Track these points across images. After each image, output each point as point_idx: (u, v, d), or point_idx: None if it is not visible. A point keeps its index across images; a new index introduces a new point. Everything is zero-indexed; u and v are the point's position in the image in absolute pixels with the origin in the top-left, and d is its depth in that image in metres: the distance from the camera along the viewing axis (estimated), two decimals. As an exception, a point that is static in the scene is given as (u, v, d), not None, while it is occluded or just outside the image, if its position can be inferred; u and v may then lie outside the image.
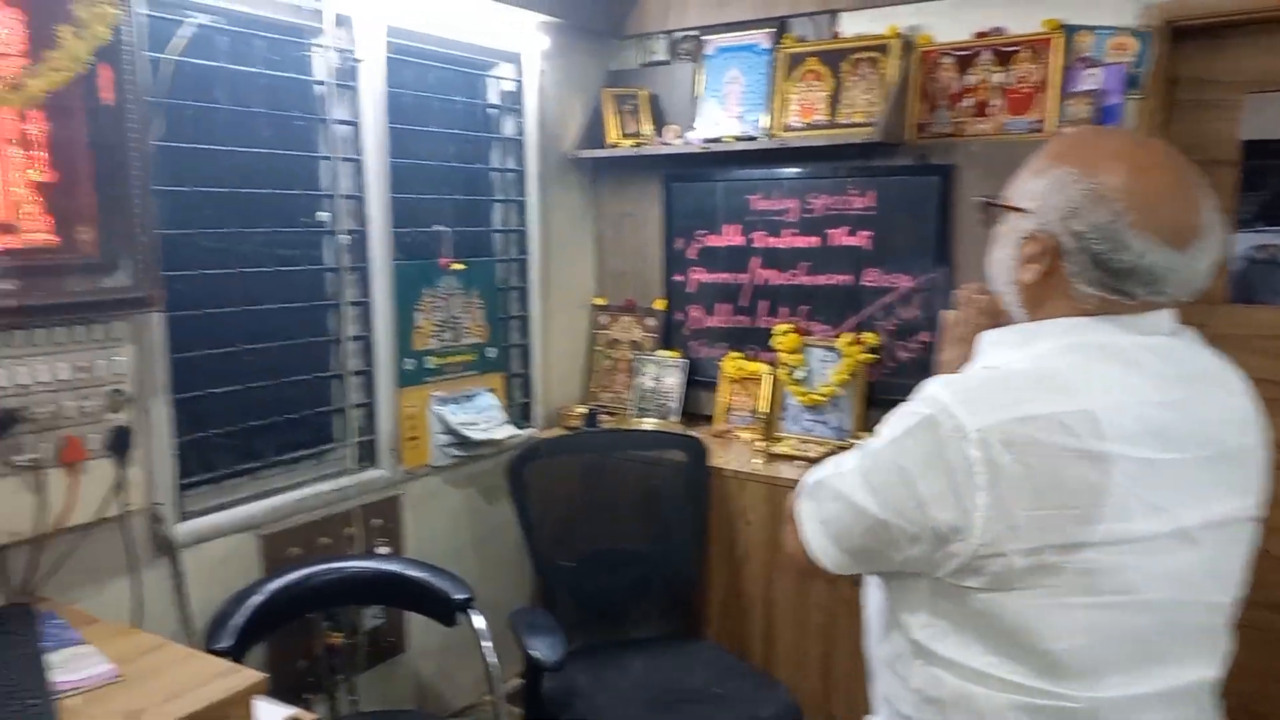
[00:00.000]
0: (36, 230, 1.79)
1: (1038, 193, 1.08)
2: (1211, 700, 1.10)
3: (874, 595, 1.22)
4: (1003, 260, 1.13)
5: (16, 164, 1.75)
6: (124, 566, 2.00)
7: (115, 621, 1.84)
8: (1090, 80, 2.48)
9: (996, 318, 1.18)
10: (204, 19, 2.12)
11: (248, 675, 1.55)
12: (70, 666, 1.54)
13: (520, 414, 3.08)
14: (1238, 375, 1.14)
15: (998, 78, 2.59)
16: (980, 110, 2.62)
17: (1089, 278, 1.05)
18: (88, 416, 1.87)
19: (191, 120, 2.15)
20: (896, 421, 1.07)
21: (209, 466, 2.27)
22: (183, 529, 2.13)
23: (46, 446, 1.80)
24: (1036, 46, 2.54)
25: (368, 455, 2.58)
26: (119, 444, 1.92)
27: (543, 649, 2.15)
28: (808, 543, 1.16)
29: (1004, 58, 2.58)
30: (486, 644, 2.19)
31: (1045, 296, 1.09)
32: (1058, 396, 1.00)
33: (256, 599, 2.15)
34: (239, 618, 2.09)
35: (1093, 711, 1.02)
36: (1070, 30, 2.49)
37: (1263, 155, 2.40)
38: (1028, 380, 1.03)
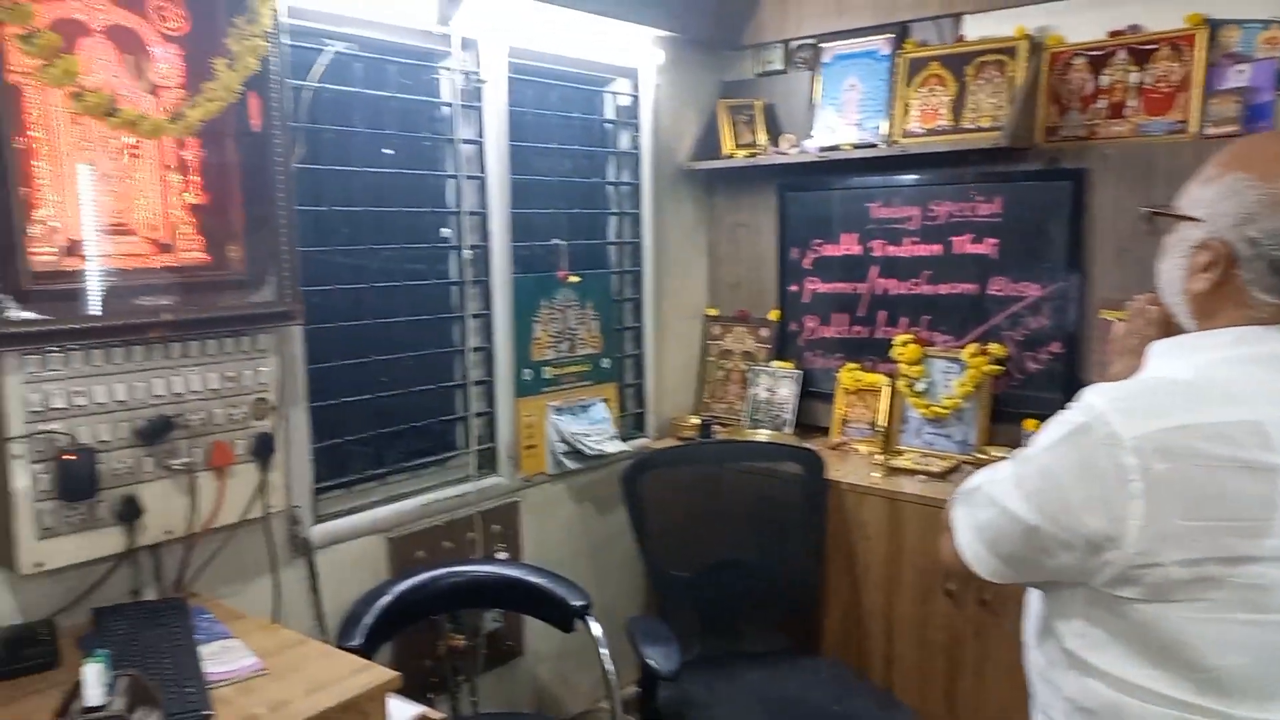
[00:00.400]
0: (191, 250, 1.92)
1: (1209, 200, 1.06)
2: None
3: (1032, 604, 1.20)
4: (1172, 270, 1.11)
5: (174, 188, 1.89)
6: (265, 565, 2.12)
7: (257, 617, 1.95)
8: (1238, 77, 2.35)
9: (1167, 329, 1.15)
10: (341, 46, 2.24)
11: (382, 673, 1.61)
12: (221, 658, 1.64)
13: (633, 424, 3.12)
14: None
15: (1134, 77, 2.48)
16: (1115, 112, 2.51)
17: (1266, 284, 1.02)
18: (235, 423, 1.99)
19: (328, 142, 2.26)
20: (1052, 428, 1.06)
21: (341, 471, 2.38)
22: (318, 531, 2.24)
23: (198, 451, 1.93)
24: (1177, 43, 2.42)
25: (488, 463, 2.66)
26: (263, 449, 2.04)
27: (659, 658, 2.16)
28: (962, 549, 1.16)
29: (1141, 56, 2.47)
30: (604, 651, 2.22)
31: (1218, 306, 1.06)
32: (1222, 406, 0.98)
33: (385, 599, 2.24)
34: (369, 617, 2.18)
35: None
36: (1215, 25, 2.37)
37: None
38: (1190, 389, 1.02)
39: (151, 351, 1.85)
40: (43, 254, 1.71)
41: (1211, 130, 2.37)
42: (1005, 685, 2.36)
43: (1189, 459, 0.96)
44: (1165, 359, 1.10)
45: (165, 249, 1.88)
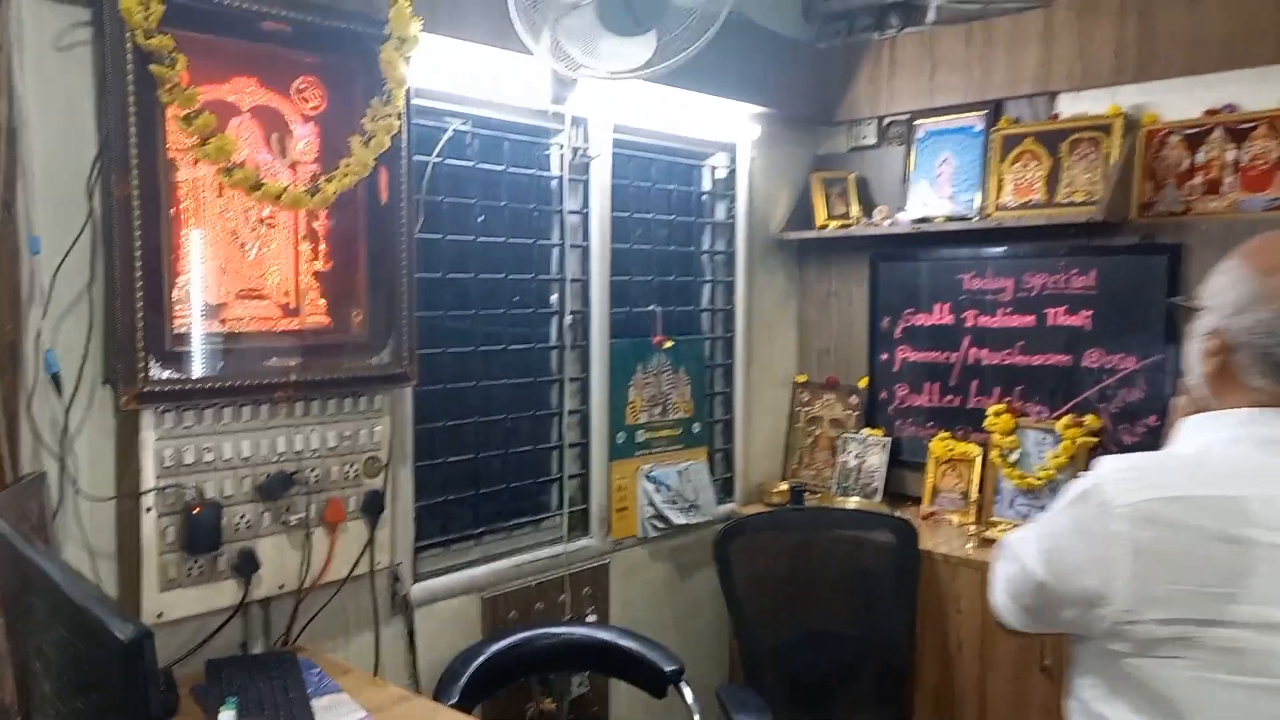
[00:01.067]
0: (317, 314, 2.03)
1: (1215, 290, 1.17)
2: None
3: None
4: (1191, 354, 1.20)
5: (305, 256, 2.00)
6: (367, 621, 2.18)
7: (359, 671, 2.00)
8: (1340, 156, 2.34)
9: (1206, 407, 1.20)
10: (461, 124, 2.36)
11: (489, 732, 1.65)
12: (332, 712, 1.70)
13: (722, 488, 3.13)
14: None
15: (1231, 155, 2.48)
16: (1212, 188, 2.51)
17: (1258, 370, 1.11)
18: (348, 481, 2.07)
19: (444, 212, 2.38)
20: (1065, 494, 1.18)
21: (441, 530, 2.44)
22: (417, 589, 2.29)
23: (313, 507, 2.01)
24: (1275, 123, 2.41)
25: (579, 524, 2.70)
26: (372, 507, 2.11)
27: (752, 728, 2.15)
28: (993, 598, 1.28)
29: (1239, 135, 2.47)
30: (696, 718, 2.21)
31: (1224, 389, 1.15)
32: (1209, 482, 1.09)
33: (480, 659, 2.27)
34: (465, 676, 2.21)
35: None
36: (1317, 104, 2.36)
37: None
38: (1186, 464, 1.13)
39: (276, 410, 1.94)
40: (183, 317, 1.83)
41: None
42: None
43: (1172, 528, 1.06)
44: (1184, 435, 1.19)
45: (293, 313, 2.00)
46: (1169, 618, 1.06)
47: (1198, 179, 2.53)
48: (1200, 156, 2.52)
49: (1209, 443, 1.13)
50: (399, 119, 2.00)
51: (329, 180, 1.92)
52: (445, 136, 2.31)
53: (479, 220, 2.46)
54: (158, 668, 1.08)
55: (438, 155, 2.31)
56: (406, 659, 2.27)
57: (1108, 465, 1.14)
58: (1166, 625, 1.06)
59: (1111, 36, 2.59)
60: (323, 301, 2.05)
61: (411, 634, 2.27)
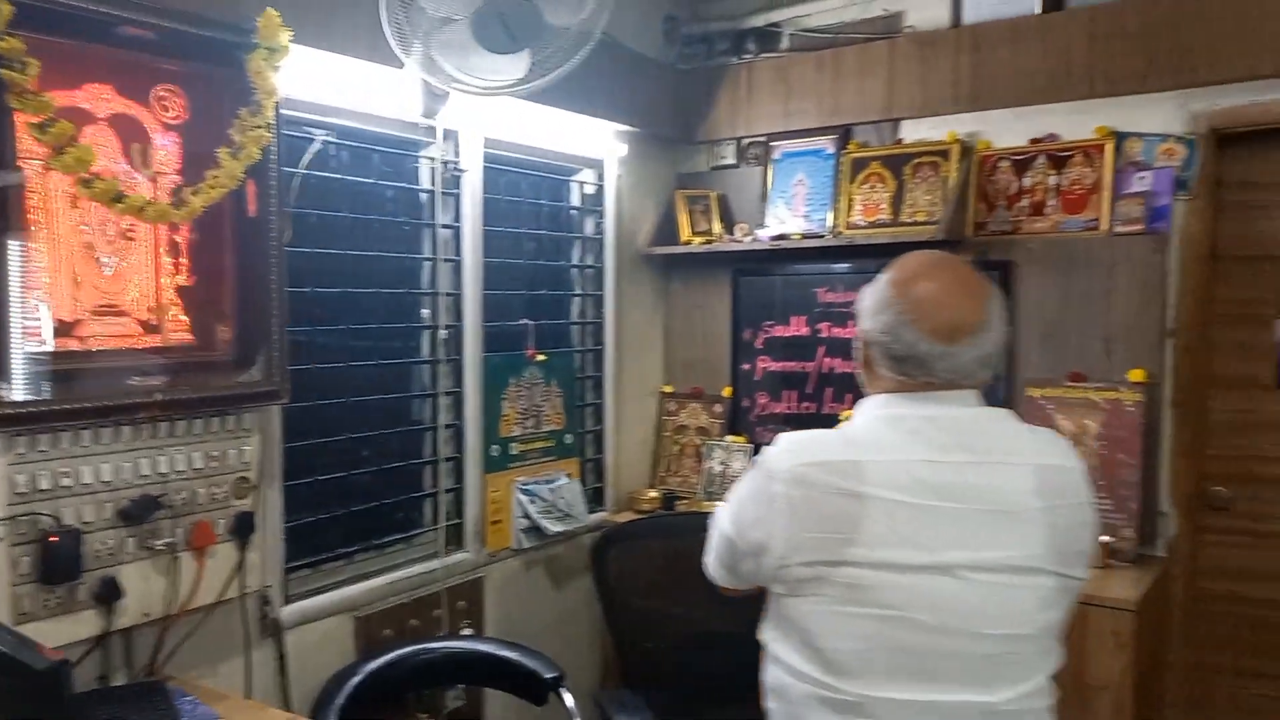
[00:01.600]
0: (180, 331, 1.96)
1: (862, 299, 1.40)
2: None
3: None
4: (854, 350, 1.47)
5: (167, 270, 1.93)
6: (235, 646, 2.11)
7: (235, 697, 1.94)
8: (1141, 183, 2.63)
9: (864, 392, 1.44)
10: (328, 136, 2.32)
11: (379, 751, 1.64)
12: (212, 740, 1.64)
13: (593, 498, 3.19)
14: (1041, 450, 1.32)
15: (1053, 180, 2.74)
16: (1037, 210, 2.77)
17: (885, 363, 1.33)
18: (217, 503, 2.00)
19: (313, 227, 2.33)
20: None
21: (311, 550, 2.38)
22: (288, 611, 2.23)
23: (180, 531, 1.93)
24: (1089, 152, 2.69)
25: (454, 539, 2.70)
26: (242, 529, 2.05)
27: (632, 730, 2.20)
28: (706, 562, 1.49)
29: (1059, 162, 2.74)
30: (578, 724, 2.25)
31: (870, 378, 1.39)
32: (844, 450, 1.31)
33: (356, 679, 2.24)
34: (341, 697, 2.17)
35: (861, 706, 1.25)
36: (1121, 137, 2.65)
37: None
38: (835, 437, 1.35)
39: (140, 432, 1.86)
40: (34, 335, 1.73)
41: (1120, 228, 2.63)
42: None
43: (813, 486, 1.27)
44: (854, 415, 1.41)
45: (155, 330, 1.92)
46: (807, 560, 1.27)
47: (1025, 201, 2.78)
48: (1026, 181, 2.78)
49: (857, 420, 1.36)
50: (269, 131, 1.96)
51: (195, 193, 1.86)
52: (312, 148, 2.27)
53: (354, 235, 2.43)
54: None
55: (305, 168, 2.26)
56: (278, 683, 2.20)
57: (781, 439, 1.35)
58: (807, 567, 1.27)
59: (949, 69, 2.82)
60: (186, 318, 1.98)
61: (283, 657, 2.21)
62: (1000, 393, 2.81)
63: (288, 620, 2.23)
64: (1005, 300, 2.73)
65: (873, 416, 1.34)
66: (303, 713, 2.19)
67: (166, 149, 1.91)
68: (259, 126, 1.93)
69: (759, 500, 1.32)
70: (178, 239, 1.95)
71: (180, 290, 1.96)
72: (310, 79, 2.18)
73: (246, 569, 2.06)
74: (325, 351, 2.41)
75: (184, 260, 1.97)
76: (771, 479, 1.30)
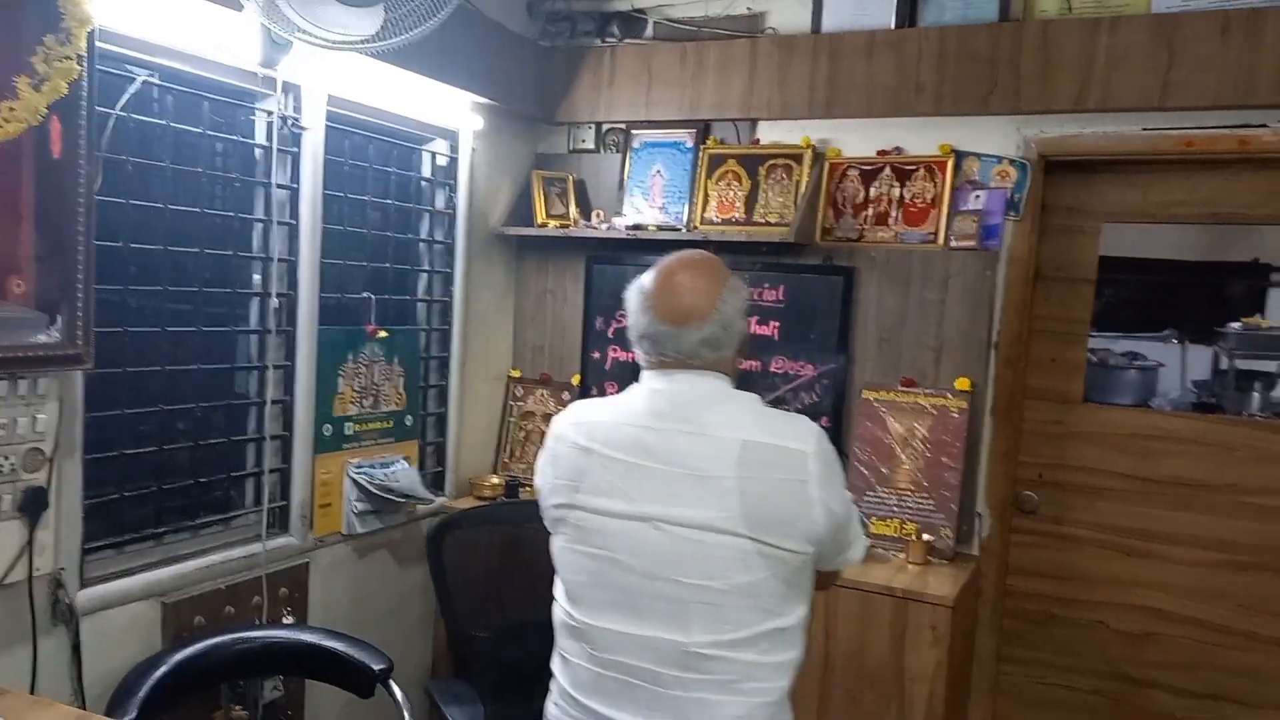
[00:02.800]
0: (-32, 281, 1.73)
1: (630, 289, 1.61)
2: (682, 658, 1.45)
3: None
4: None
5: (-46, 212, 1.70)
6: (23, 635, 1.90)
7: (16, 692, 1.74)
8: (976, 201, 2.77)
9: None
10: (153, 77, 2.12)
11: (181, 751, 1.51)
12: (-15, 742, 1.47)
13: (432, 482, 3.09)
14: (761, 428, 1.49)
15: (897, 192, 2.85)
16: (881, 219, 2.87)
17: (635, 343, 1.58)
18: (3, 475, 1.80)
19: (130, 176, 2.12)
20: None
21: (115, 530, 2.18)
22: (84, 595, 2.03)
23: (-42, 505, 1.72)
24: (931, 167, 2.81)
25: (278, 522, 2.54)
26: (33, 505, 1.85)
27: (465, 719, 2.15)
28: None
29: (903, 174, 2.85)
30: (406, 716, 2.17)
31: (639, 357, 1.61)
32: (594, 412, 1.59)
33: (161, 670, 2.06)
34: (143, 690, 2.00)
35: (585, 632, 1.51)
36: (960, 155, 2.78)
37: (1119, 271, 2.73)
38: (599, 402, 1.64)
39: (-88, 392, 1.64)
40: None
41: (955, 243, 2.76)
42: None
43: (567, 441, 1.56)
44: None
45: (-64, 278, 1.69)
46: (556, 503, 1.55)
47: (870, 210, 2.88)
48: (873, 191, 2.88)
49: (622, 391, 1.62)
50: (79, 64, 1.75)
51: (-8, 126, 1.65)
52: (132, 88, 2.07)
53: (176, 188, 2.23)
54: None
55: (123, 109, 2.05)
56: (70, 674, 2.00)
57: (571, 405, 1.66)
58: (556, 509, 1.56)
59: (805, 75, 2.88)
60: (-23, 268, 1.75)
61: (77, 646, 2.01)
62: (839, 392, 2.91)
63: (84, 606, 2.03)
64: (848, 307, 2.87)
65: (631, 387, 1.58)
66: (96, 707, 2.00)
67: (-43, 75, 1.68)
68: (68, 57, 1.72)
69: (545, 453, 1.61)
70: (-32, 178, 1.73)
71: (-29, 237, 1.74)
72: (133, 11, 1.98)
73: (36, 549, 1.86)
74: (140, 315, 2.20)
75: (-24, 203, 1.74)
76: (552, 435, 1.60)
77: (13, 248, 1.78)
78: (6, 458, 1.80)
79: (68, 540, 1.97)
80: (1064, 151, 2.67)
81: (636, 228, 3.01)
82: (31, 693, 1.88)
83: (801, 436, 1.47)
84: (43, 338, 1.80)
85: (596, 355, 3.24)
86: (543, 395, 3.31)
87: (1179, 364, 2.70)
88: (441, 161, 3.01)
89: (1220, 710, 2.64)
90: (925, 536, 2.67)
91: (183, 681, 2.11)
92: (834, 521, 1.47)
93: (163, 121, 2.19)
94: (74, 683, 2.02)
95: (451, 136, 2.99)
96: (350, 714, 2.64)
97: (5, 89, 1.68)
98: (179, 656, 2.12)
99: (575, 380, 3.27)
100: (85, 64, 1.78)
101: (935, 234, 2.80)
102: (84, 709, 2.00)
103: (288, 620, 2.49)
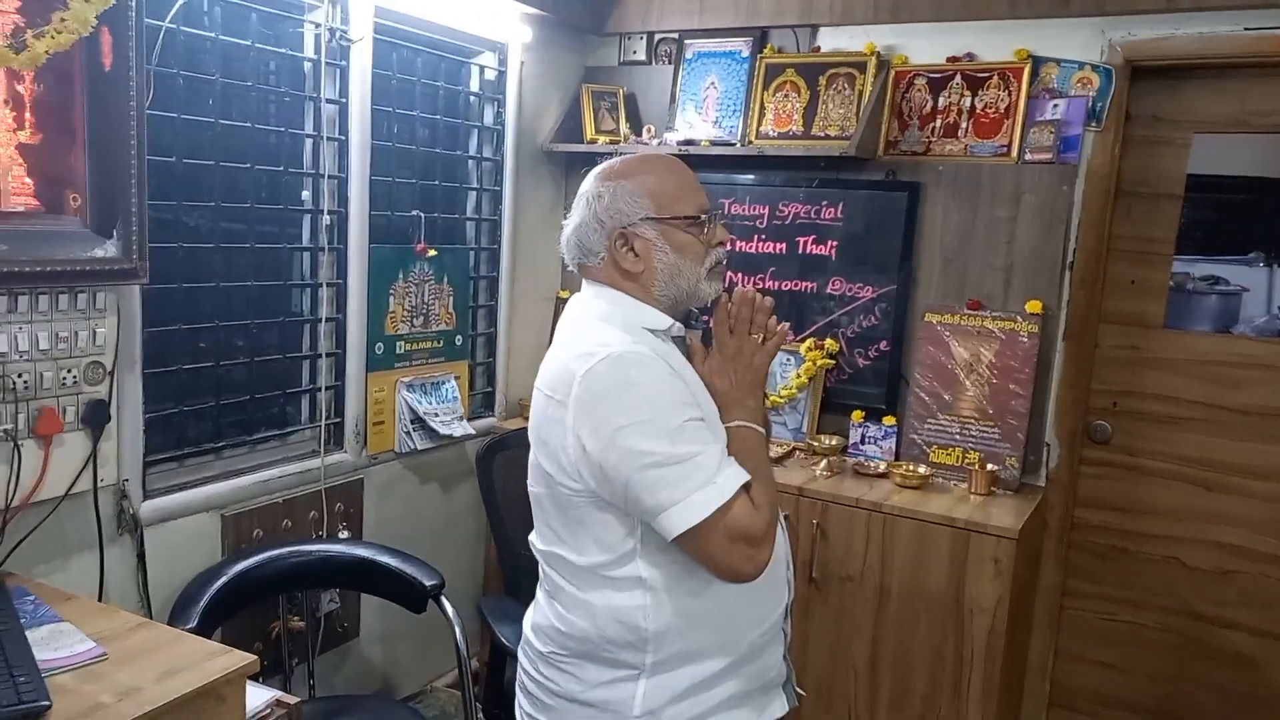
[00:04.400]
0: (22, 194, 1.73)
1: None
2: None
3: None
4: None
5: (6, 126, 1.69)
6: (90, 543, 1.96)
7: (84, 598, 1.79)
8: (1054, 111, 2.61)
9: None
10: (199, -13, 2.08)
11: (240, 656, 1.53)
12: (53, 644, 1.51)
13: (482, 402, 3.09)
14: (571, 344, 1.37)
15: (967, 102, 2.70)
16: (950, 131, 2.73)
17: None
18: (66, 388, 1.82)
19: (181, 91, 2.10)
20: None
21: (175, 444, 2.22)
22: (147, 507, 2.09)
23: (23, 417, 1.75)
24: (1006, 74, 2.66)
25: (334, 439, 2.56)
26: (95, 418, 1.88)
27: (512, 637, 2.15)
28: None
29: (975, 83, 2.69)
30: (458, 631, 2.20)
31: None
32: None
33: (222, 580, 2.13)
34: (204, 599, 2.06)
35: None
36: (1038, 61, 2.62)
37: (1205, 189, 2.57)
38: None
39: (-27, 304, 1.66)
40: None
41: (1030, 156, 2.62)
42: (830, 657, 2.54)
43: None
44: None
45: (-9, 192, 1.69)
46: None
47: (938, 122, 2.74)
48: (941, 101, 2.73)
49: None
50: (127, -29, 1.72)
51: (39, 36, 1.62)
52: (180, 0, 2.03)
53: (226, 103, 2.20)
54: None
55: (171, 21, 2.02)
56: (137, 582, 2.07)
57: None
58: None
59: (871, -25, 2.73)
60: (30, 180, 1.74)
61: (142, 556, 2.07)
62: (899, 316, 2.81)
63: (147, 517, 2.08)
64: (913, 226, 2.74)
65: None
66: (162, 615, 2.06)
67: (4, -17, 1.65)
68: (116, -35, 1.69)
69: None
70: (20, 89, 1.71)
71: (23, 149, 1.73)
72: (179, -81, 1.93)
73: (100, 460, 1.90)
74: (193, 232, 2.20)
75: (28, 115, 1.72)
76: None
77: (68, 161, 1.78)
78: (69, 371, 1.82)
79: (130, 453, 2.01)
80: (1154, 56, 2.49)
81: (688, 143, 2.92)
82: (100, 599, 1.93)
83: (585, 355, 1.31)
84: (99, 252, 1.80)
85: (649, 276, 3.18)
86: (594, 316, 3.26)
87: (1265, 288, 2.55)
88: (490, 76, 2.94)
89: (1295, 649, 2.55)
90: (990, 466, 2.59)
91: (242, 591, 2.17)
92: (593, 462, 1.29)
93: (211, 34, 2.15)
94: (140, 590, 2.08)
95: (500, 49, 2.91)
96: (404, 627, 2.71)
97: (57, 0, 1.66)
98: (238, 567, 2.18)
99: (627, 301, 3.21)
100: (132, -28, 1.75)
101: (1008, 146, 2.65)
102: (149, 616, 2.06)
103: (343, 535, 2.53)
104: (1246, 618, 2.59)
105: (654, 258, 1.40)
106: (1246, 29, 2.36)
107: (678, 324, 1.44)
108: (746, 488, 1.30)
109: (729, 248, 1.50)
